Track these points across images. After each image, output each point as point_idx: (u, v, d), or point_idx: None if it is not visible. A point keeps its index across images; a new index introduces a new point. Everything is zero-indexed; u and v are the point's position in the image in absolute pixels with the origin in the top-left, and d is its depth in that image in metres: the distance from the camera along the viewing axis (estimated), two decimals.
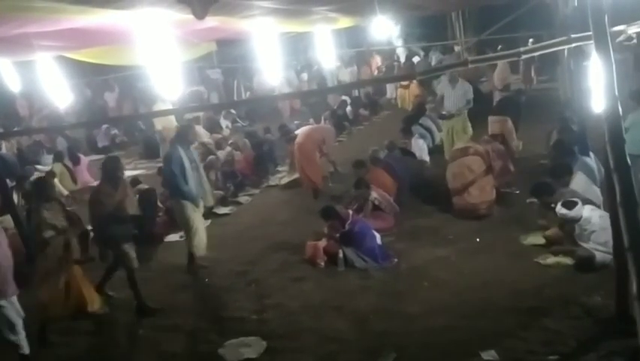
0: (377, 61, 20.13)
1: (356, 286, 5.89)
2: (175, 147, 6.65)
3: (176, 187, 6.55)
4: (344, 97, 15.72)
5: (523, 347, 4.41)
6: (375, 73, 19.06)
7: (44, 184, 5.73)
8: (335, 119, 13.39)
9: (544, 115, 10.98)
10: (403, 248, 6.67)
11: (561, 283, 5.34)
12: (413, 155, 9.01)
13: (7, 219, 7.74)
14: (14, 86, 8.67)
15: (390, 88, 16.91)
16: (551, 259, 5.78)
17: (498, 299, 5.14)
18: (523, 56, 4.06)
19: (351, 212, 6.90)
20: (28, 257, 7.14)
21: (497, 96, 13.67)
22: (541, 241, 6.19)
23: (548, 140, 8.80)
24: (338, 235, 6.55)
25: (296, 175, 9.73)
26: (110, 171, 5.85)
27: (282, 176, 10.58)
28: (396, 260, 6.34)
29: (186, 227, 6.67)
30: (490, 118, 9.06)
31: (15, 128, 15.13)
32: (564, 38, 3.87)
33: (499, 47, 14.86)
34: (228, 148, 11.23)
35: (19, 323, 4.85)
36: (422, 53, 20.50)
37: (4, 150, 12.42)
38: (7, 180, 8.60)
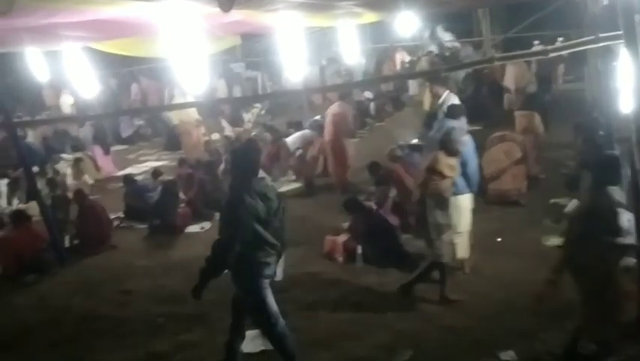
0: (402, 56, 19.90)
1: (374, 283, 5.89)
2: (445, 122, 5.52)
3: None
4: (367, 93, 15.63)
5: (542, 348, 4.39)
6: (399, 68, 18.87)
7: None
8: (359, 112, 13.35)
9: (570, 115, 10.78)
10: (422, 246, 6.62)
11: None
12: None
13: (33, 206, 7.91)
14: (42, 75, 8.78)
15: (413, 85, 16.73)
16: None
17: (518, 300, 5.09)
18: (551, 55, 4.00)
19: (375, 207, 6.85)
20: (53, 243, 7.30)
21: (510, 100, 12.36)
22: None
23: (575, 139, 8.65)
24: (359, 230, 6.53)
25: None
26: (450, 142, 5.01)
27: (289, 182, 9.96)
28: (415, 258, 6.31)
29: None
30: (517, 112, 8.97)
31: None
32: (592, 38, 3.81)
33: (536, 42, 14.19)
34: None
35: None
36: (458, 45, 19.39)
37: (30, 139, 12.59)
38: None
